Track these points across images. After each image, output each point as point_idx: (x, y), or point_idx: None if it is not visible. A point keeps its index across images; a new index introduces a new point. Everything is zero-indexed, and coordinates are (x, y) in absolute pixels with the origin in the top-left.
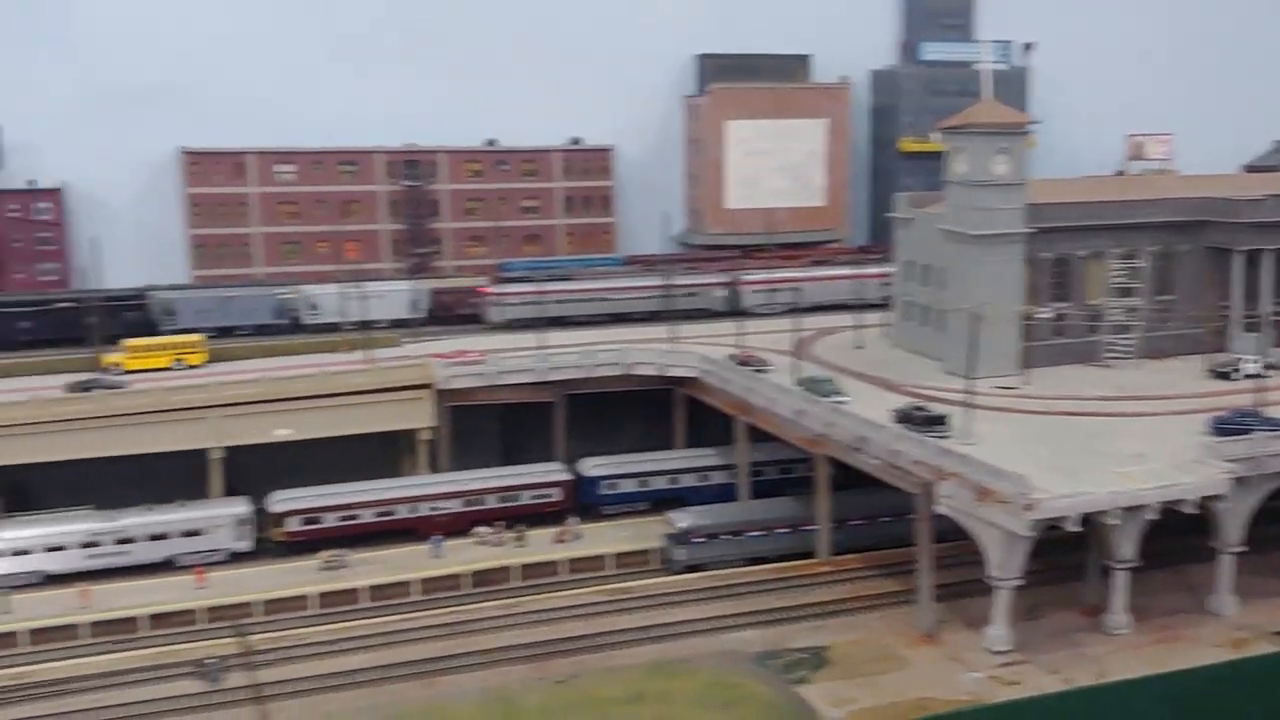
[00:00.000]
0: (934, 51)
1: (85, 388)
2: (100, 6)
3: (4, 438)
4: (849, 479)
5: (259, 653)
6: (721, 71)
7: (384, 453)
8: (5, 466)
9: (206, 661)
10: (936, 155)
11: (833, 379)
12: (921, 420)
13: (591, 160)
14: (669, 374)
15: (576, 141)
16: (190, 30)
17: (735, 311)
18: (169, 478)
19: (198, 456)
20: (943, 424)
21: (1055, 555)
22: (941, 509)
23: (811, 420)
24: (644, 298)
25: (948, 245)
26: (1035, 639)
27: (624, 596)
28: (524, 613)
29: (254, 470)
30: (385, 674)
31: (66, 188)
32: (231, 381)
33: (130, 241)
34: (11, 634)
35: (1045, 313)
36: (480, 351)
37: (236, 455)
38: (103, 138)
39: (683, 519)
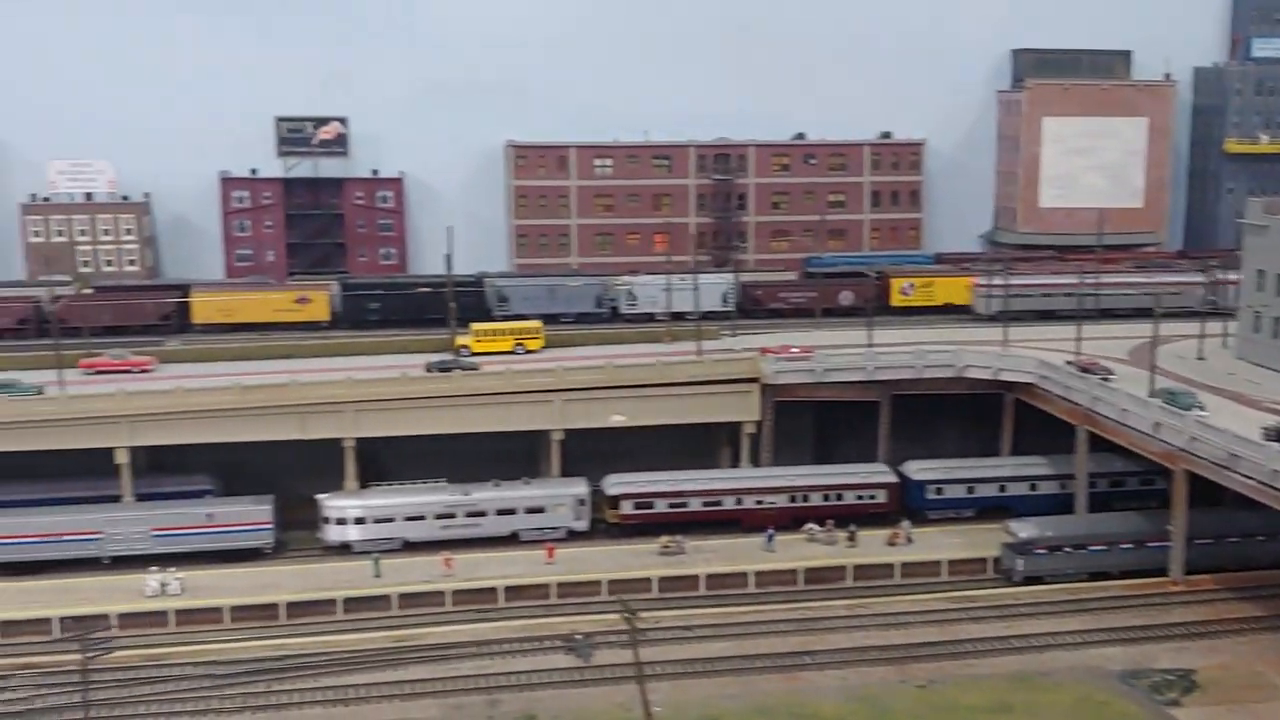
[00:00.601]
0: (1265, 48)
1: (444, 368)
2: (440, 6)
3: (374, 411)
4: (1193, 496)
5: (634, 631)
6: (1038, 67)
7: (698, 443)
8: (368, 438)
9: (575, 637)
10: (1266, 158)
11: (1192, 392)
12: None
13: (901, 155)
14: (1001, 378)
15: (886, 135)
16: (520, 30)
17: (1217, 311)
18: (495, 456)
19: (526, 438)
20: None
21: None
22: None
23: (1171, 434)
24: (1134, 294)
25: None
26: None
27: (974, 605)
28: (872, 614)
29: (575, 452)
30: (747, 664)
31: (405, 177)
32: (575, 367)
33: (456, 229)
34: (385, 597)
35: None
36: (803, 347)
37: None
38: (437, 130)
39: (1024, 529)
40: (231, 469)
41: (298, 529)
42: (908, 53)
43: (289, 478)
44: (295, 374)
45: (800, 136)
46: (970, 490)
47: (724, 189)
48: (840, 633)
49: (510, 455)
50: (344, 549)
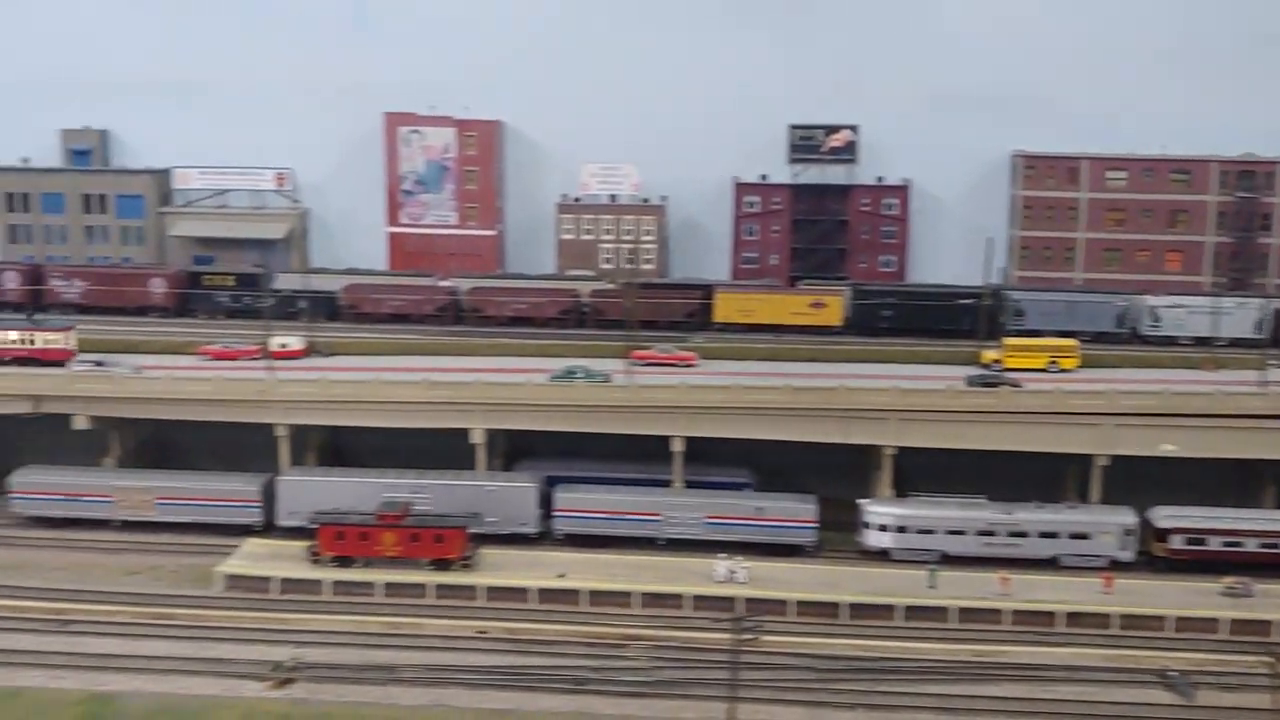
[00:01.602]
0: None
1: (988, 383)
2: (954, 16)
3: (916, 422)
4: None
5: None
6: None
7: (1224, 477)
8: (905, 449)
9: (1169, 673)
10: None
11: None
12: None
13: None
14: None
15: None
16: (1031, 39)
17: None
18: (1010, 476)
19: (1045, 459)
20: None
21: None
22: None
23: None
24: None
25: None
26: None
27: None
28: None
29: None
30: None
31: (910, 185)
32: (1128, 391)
33: (954, 239)
34: (943, 609)
35: None
36: None
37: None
38: (939, 138)
39: None
40: (751, 463)
41: (824, 529)
42: None
43: (808, 476)
44: (820, 378)
45: None
46: None
47: (1247, 208)
48: None
49: (1024, 476)
50: (881, 555)
